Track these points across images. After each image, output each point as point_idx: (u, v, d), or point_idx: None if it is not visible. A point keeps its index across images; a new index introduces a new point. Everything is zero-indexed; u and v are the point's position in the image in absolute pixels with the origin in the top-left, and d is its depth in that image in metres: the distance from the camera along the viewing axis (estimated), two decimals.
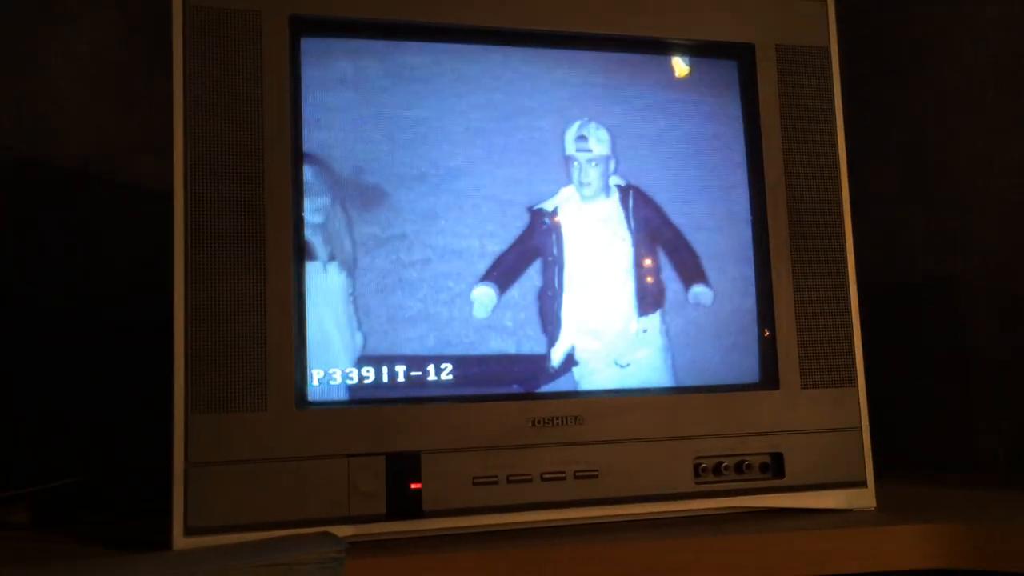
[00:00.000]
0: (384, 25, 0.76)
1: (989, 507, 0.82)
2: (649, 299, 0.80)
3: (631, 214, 0.80)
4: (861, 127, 1.07)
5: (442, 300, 0.75)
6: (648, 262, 0.80)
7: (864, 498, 0.80)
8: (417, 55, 0.77)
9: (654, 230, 0.80)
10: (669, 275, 0.80)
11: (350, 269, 0.74)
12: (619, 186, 0.80)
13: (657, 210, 0.80)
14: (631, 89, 0.81)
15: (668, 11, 0.81)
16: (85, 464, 0.96)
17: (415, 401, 0.73)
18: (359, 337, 0.74)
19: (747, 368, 0.81)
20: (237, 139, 0.71)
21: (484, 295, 0.76)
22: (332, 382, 0.73)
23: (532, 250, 0.78)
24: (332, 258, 0.73)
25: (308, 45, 0.74)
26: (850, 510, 0.79)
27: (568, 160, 0.79)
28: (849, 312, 0.81)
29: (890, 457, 0.90)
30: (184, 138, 0.70)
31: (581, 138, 0.79)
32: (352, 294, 0.74)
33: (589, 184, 0.79)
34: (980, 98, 1.06)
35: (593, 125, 0.80)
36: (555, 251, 0.78)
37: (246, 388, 0.69)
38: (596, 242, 0.79)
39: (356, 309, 0.74)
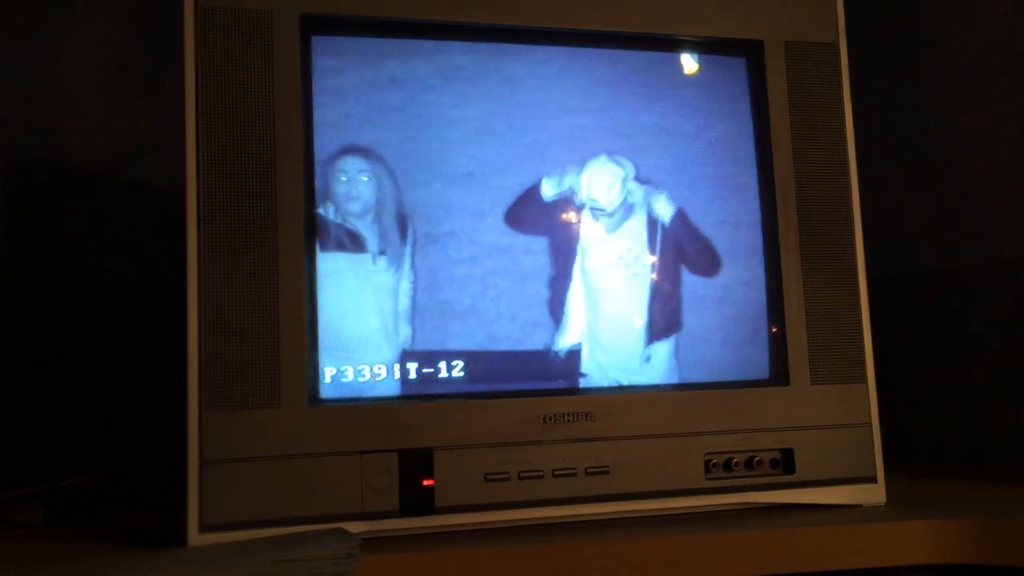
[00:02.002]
0: (394, 23, 0.76)
1: (1001, 503, 0.82)
2: (661, 319, 0.80)
3: (654, 226, 0.81)
4: (869, 121, 1.07)
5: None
6: (665, 276, 0.80)
7: (874, 494, 0.80)
8: (429, 53, 0.77)
9: (676, 241, 0.81)
10: (687, 290, 0.81)
11: (377, 266, 0.74)
12: (642, 203, 0.81)
13: (674, 226, 0.81)
14: (641, 86, 0.81)
15: (677, 9, 0.82)
16: (96, 463, 0.97)
17: (427, 398, 0.74)
18: (372, 335, 0.74)
19: (757, 364, 0.81)
20: (249, 137, 0.71)
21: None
22: (344, 379, 0.73)
23: (560, 246, 0.79)
24: (346, 256, 0.74)
25: (319, 43, 0.74)
26: (860, 506, 0.80)
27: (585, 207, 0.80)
28: (859, 308, 0.82)
29: (900, 452, 0.90)
30: (196, 137, 0.70)
31: (592, 197, 0.79)
32: (371, 292, 0.74)
33: (598, 198, 0.80)
34: (987, 90, 1.06)
35: (606, 171, 0.80)
36: (577, 251, 0.79)
37: (259, 385, 0.69)
38: (618, 250, 0.80)
39: (370, 307, 0.74)
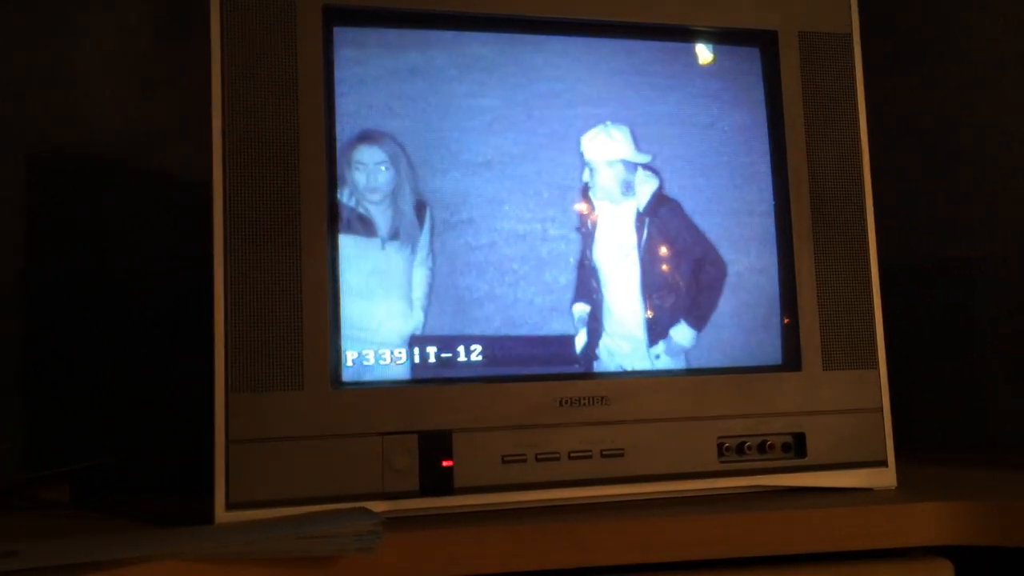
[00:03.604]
0: (414, 14, 0.78)
1: (1011, 486, 0.82)
2: (676, 305, 0.81)
3: (656, 214, 0.82)
4: (883, 110, 1.07)
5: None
6: (680, 263, 0.82)
7: (885, 477, 0.81)
8: (448, 43, 0.78)
9: (675, 235, 0.82)
10: (701, 276, 0.82)
11: (395, 252, 0.76)
12: (645, 186, 0.82)
13: (682, 215, 0.82)
14: (658, 77, 0.82)
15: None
16: (121, 444, 0.98)
17: (446, 381, 0.75)
18: (393, 320, 0.75)
19: (770, 350, 0.82)
20: (273, 126, 0.72)
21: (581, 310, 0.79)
22: (365, 363, 0.74)
23: (578, 233, 0.80)
24: (365, 241, 0.75)
25: (341, 34, 0.76)
26: (871, 489, 0.80)
27: (585, 164, 0.80)
28: (870, 295, 0.82)
29: (914, 441, 0.90)
30: (222, 126, 0.71)
31: (597, 142, 0.80)
32: (392, 278, 0.75)
33: (608, 187, 0.81)
34: (1001, 81, 1.06)
35: (612, 126, 0.81)
36: (592, 238, 0.80)
37: (283, 368, 0.71)
38: (635, 237, 0.81)
39: (391, 293, 0.75)
